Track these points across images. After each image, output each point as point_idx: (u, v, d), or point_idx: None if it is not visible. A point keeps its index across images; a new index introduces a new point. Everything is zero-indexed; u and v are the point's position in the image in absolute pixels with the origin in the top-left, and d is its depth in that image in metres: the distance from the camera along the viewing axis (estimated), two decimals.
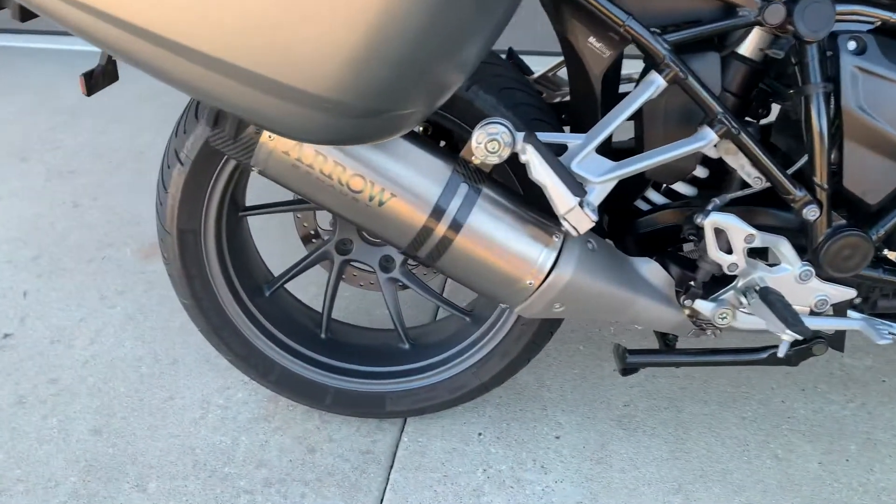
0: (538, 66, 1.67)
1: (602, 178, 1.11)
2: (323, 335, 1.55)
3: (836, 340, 1.34)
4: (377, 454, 1.52)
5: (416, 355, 1.53)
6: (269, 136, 1.07)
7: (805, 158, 1.20)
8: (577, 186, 1.07)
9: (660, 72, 1.11)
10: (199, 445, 1.54)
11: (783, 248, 1.22)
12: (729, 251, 1.20)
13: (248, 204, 1.51)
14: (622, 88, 1.35)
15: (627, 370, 1.36)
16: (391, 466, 1.49)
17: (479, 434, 1.56)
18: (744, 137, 1.14)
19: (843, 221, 1.21)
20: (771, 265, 1.24)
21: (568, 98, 1.63)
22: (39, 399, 1.65)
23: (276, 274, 1.58)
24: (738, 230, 1.18)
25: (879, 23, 1.14)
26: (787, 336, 1.16)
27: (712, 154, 1.23)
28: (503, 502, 1.41)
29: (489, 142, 1.09)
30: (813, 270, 1.23)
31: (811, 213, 1.18)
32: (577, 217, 1.08)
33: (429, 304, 1.89)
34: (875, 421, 1.57)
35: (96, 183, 2.45)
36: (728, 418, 1.58)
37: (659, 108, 1.20)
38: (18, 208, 2.32)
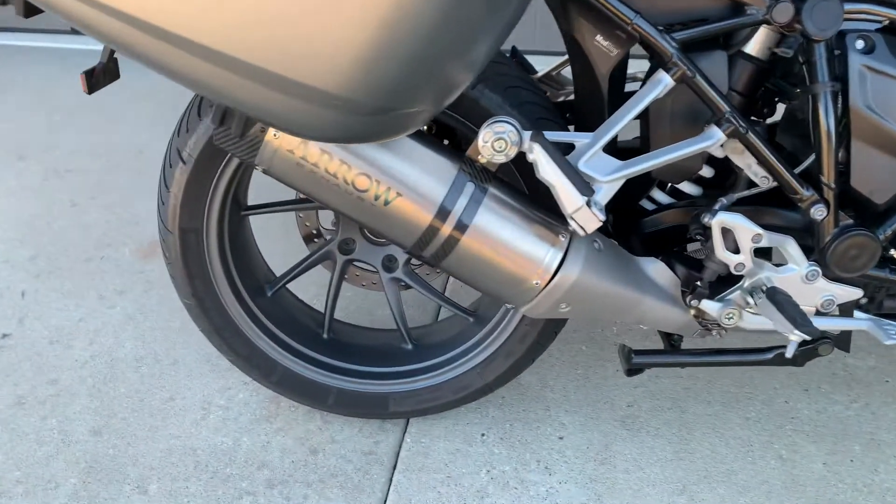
0: (537, 65, 1.67)
1: (609, 177, 1.10)
2: (325, 335, 1.54)
3: (842, 341, 1.33)
4: (380, 455, 1.51)
5: (419, 356, 1.52)
6: (274, 135, 1.06)
7: (812, 158, 1.20)
8: (584, 186, 1.07)
9: (667, 70, 1.11)
10: (201, 446, 1.53)
11: (790, 247, 1.21)
12: (736, 251, 1.19)
13: (250, 203, 1.50)
14: (626, 87, 1.35)
15: (633, 371, 1.35)
16: (394, 467, 1.48)
17: (483, 435, 1.55)
18: (751, 137, 1.13)
19: (850, 221, 1.21)
20: (777, 265, 1.23)
21: (572, 97, 1.62)
22: (38, 400, 1.64)
23: (277, 274, 1.58)
24: (746, 230, 1.17)
25: (887, 22, 1.14)
26: (795, 336, 1.15)
27: (718, 153, 1.23)
28: (507, 503, 1.41)
29: (496, 140, 1.08)
30: (819, 270, 1.22)
31: (818, 212, 1.17)
32: (585, 216, 1.08)
33: (430, 305, 1.88)
34: (879, 421, 1.57)
35: (94, 182, 2.43)
36: (732, 419, 1.58)
37: (665, 107, 1.19)
38: (16, 208, 2.30)
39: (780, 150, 1.29)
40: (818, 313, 1.27)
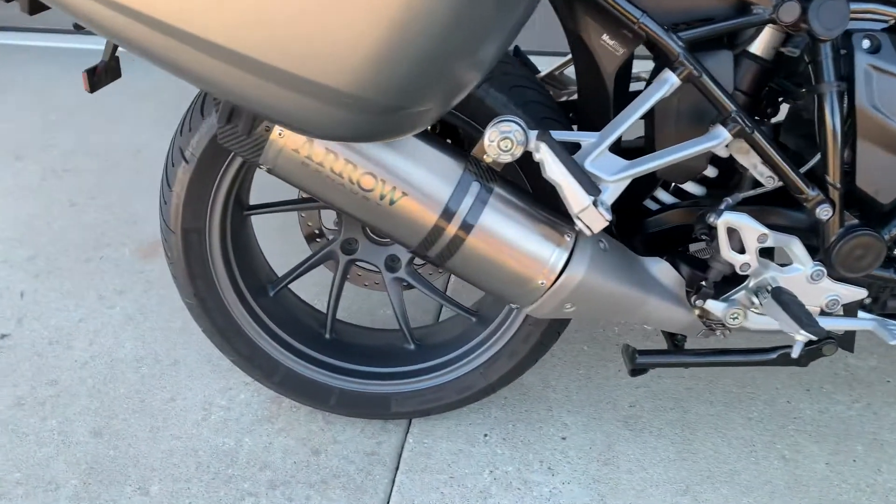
0: (539, 65, 1.66)
1: (616, 176, 1.10)
2: (327, 335, 1.53)
3: (846, 341, 1.33)
4: (382, 456, 1.50)
5: (421, 356, 1.52)
6: (279, 134, 1.05)
7: (817, 158, 1.20)
8: (591, 185, 1.06)
9: (674, 70, 1.10)
10: (202, 447, 1.52)
11: (795, 247, 1.21)
12: (741, 251, 1.19)
13: (252, 203, 1.49)
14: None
15: (637, 371, 1.35)
16: (397, 468, 1.48)
17: (485, 435, 1.54)
18: (757, 136, 1.13)
19: (855, 221, 1.21)
20: (781, 265, 1.23)
21: (574, 97, 1.62)
22: (38, 401, 1.63)
23: (278, 274, 1.57)
24: (751, 230, 1.17)
25: (893, 21, 1.14)
26: (802, 336, 1.15)
27: (722, 153, 1.22)
28: None
29: (502, 140, 1.08)
30: (825, 270, 1.22)
31: (824, 212, 1.17)
32: (591, 216, 1.07)
33: (431, 305, 1.88)
34: (881, 421, 1.57)
35: (93, 182, 2.42)
36: (734, 419, 1.57)
37: (671, 106, 1.19)
38: (14, 207, 2.29)
39: (785, 150, 1.28)
40: (823, 313, 1.27)
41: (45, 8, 0.98)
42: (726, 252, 1.19)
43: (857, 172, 1.17)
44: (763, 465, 1.48)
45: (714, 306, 1.24)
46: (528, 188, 1.28)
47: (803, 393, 1.63)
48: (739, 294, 1.24)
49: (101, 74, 1.27)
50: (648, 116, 1.22)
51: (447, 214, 1.11)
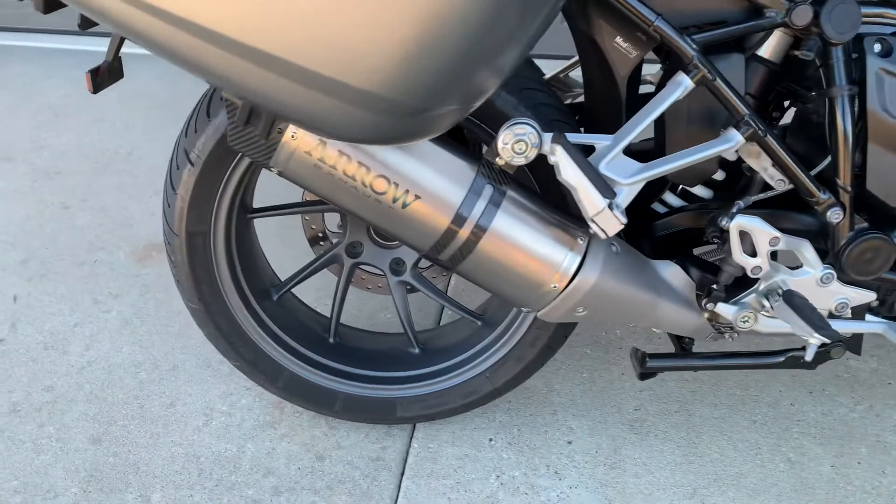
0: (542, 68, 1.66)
1: (631, 179, 1.10)
2: (331, 340, 1.52)
3: (853, 344, 1.34)
4: (387, 461, 1.49)
5: (426, 360, 1.51)
6: (292, 136, 1.04)
7: (827, 161, 1.20)
8: (606, 188, 1.06)
9: (687, 73, 1.10)
10: (204, 454, 1.50)
11: (805, 250, 1.21)
12: (752, 254, 1.19)
13: (255, 206, 1.48)
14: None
15: (646, 374, 1.34)
16: (402, 473, 1.47)
17: (490, 440, 1.53)
18: (770, 140, 1.13)
19: (866, 224, 1.21)
20: (791, 268, 1.23)
21: (579, 100, 1.61)
22: (34, 407, 1.60)
23: (280, 277, 1.55)
24: (763, 233, 1.17)
25: None
26: (815, 340, 1.15)
27: (730, 156, 1.22)
28: None
29: (516, 143, 1.07)
30: (834, 273, 1.22)
31: (835, 215, 1.17)
32: (606, 219, 1.07)
33: (432, 309, 1.86)
34: (884, 423, 1.57)
35: (85, 184, 2.39)
36: (739, 422, 1.57)
37: (681, 109, 1.18)
38: (5, 210, 2.25)
39: (793, 153, 1.29)
40: (831, 316, 1.27)
41: (60, 6, 0.96)
42: (738, 255, 1.19)
43: (867, 176, 1.17)
44: (769, 467, 1.48)
45: (725, 310, 1.24)
46: (538, 191, 1.27)
47: (806, 395, 1.64)
48: (750, 297, 1.24)
49: (104, 75, 1.25)
50: (658, 119, 1.22)
51: (460, 218, 1.10)
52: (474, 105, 0.92)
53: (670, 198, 1.34)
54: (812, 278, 1.22)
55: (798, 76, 1.25)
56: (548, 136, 1.08)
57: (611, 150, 1.10)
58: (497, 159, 1.10)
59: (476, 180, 1.10)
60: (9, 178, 2.42)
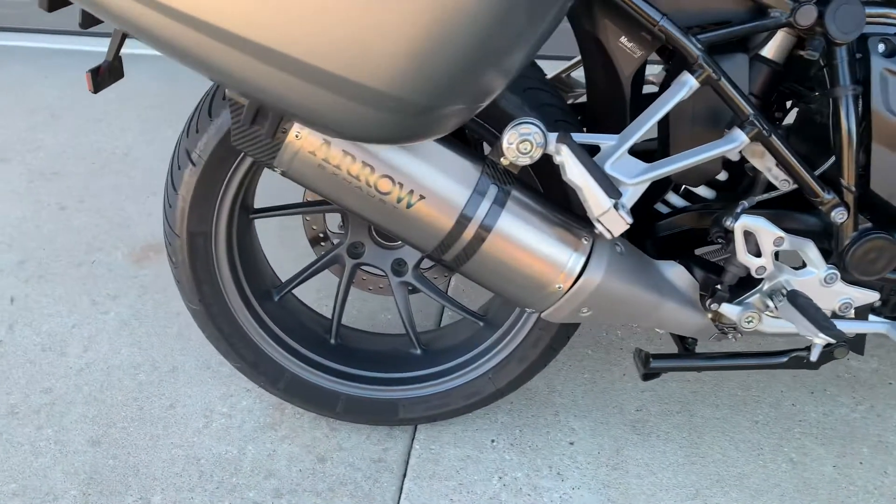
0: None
1: (636, 179, 1.09)
2: (333, 341, 1.51)
3: (857, 343, 1.34)
4: (389, 463, 1.48)
5: (428, 361, 1.50)
6: (297, 136, 1.03)
7: (831, 161, 1.20)
8: (612, 188, 1.05)
9: (692, 73, 1.10)
10: (204, 456, 1.49)
11: (809, 251, 1.21)
12: (757, 254, 1.19)
13: (256, 206, 1.47)
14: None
15: (650, 375, 1.34)
16: (404, 475, 1.46)
17: (493, 441, 1.53)
18: (774, 140, 1.13)
19: (869, 224, 1.21)
20: (794, 268, 1.23)
21: (580, 100, 1.61)
22: (32, 409, 1.59)
23: (281, 278, 1.54)
24: (768, 233, 1.17)
25: None
26: (821, 340, 1.15)
27: (734, 157, 1.22)
28: None
29: (521, 142, 1.07)
30: (838, 273, 1.22)
31: (839, 215, 1.17)
32: (612, 219, 1.06)
33: (433, 310, 1.86)
34: (885, 423, 1.57)
35: (81, 185, 2.37)
36: (741, 422, 1.57)
37: (686, 109, 1.18)
38: (1, 211, 2.23)
39: (797, 154, 1.29)
40: (835, 316, 1.27)
41: (64, 4, 0.95)
42: (742, 255, 1.19)
43: (871, 176, 1.17)
44: (771, 468, 1.48)
45: (729, 310, 1.23)
46: (541, 191, 1.27)
47: (807, 396, 1.64)
48: (754, 297, 1.24)
49: (105, 74, 1.24)
50: (661, 119, 1.21)
51: (464, 218, 1.09)
52: (482, 105, 0.92)
53: (673, 198, 1.34)
54: (816, 278, 1.22)
55: (801, 76, 1.25)
56: (553, 136, 1.07)
57: (616, 150, 1.09)
58: (502, 159, 1.09)
59: (481, 180, 1.10)
60: (5, 178, 2.41)
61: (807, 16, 1.10)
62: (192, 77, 3.04)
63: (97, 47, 3.34)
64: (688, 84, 1.10)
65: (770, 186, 1.24)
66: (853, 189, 1.17)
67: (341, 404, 1.47)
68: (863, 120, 1.15)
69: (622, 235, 1.28)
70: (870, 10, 1.12)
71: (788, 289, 1.21)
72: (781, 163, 1.15)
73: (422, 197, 1.08)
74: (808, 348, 1.33)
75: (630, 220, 1.07)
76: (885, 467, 1.48)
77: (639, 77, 1.26)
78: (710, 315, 1.26)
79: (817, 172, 1.21)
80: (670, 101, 1.10)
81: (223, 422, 1.56)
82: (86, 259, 2.03)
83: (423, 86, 0.79)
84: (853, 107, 1.13)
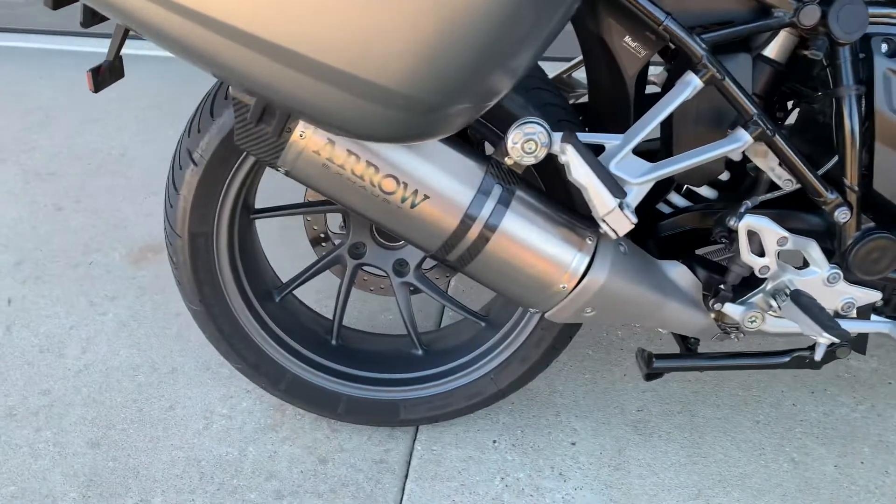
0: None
1: (641, 179, 1.09)
2: (334, 342, 1.50)
3: (858, 343, 1.34)
4: (391, 464, 1.48)
5: (430, 361, 1.50)
6: (301, 135, 1.02)
7: (833, 160, 1.20)
8: (617, 188, 1.05)
9: (696, 72, 1.10)
10: (205, 457, 1.48)
11: (812, 250, 1.21)
12: (760, 254, 1.19)
13: (257, 206, 1.46)
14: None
15: (652, 375, 1.34)
16: (406, 476, 1.45)
17: (494, 441, 1.52)
18: (778, 140, 1.13)
19: (872, 224, 1.21)
20: (796, 268, 1.23)
21: (581, 100, 1.61)
22: (31, 411, 1.58)
23: (281, 279, 1.54)
24: (772, 233, 1.17)
25: None
26: (825, 339, 1.15)
27: (736, 157, 1.22)
28: None
29: (526, 142, 1.06)
30: (841, 273, 1.22)
31: (842, 215, 1.17)
32: (617, 219, 1.06)
33: (433, 311, 1.85)
34: (886, 423, 1.58)
35: (78, 185, 2.36)
36: (742, 422, 1.57)
37: (689, 109, 1.18)
38: None
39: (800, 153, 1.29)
40: (837, 316, 1.27)
41: (69, 2, 0.95)
42: (746, 255, 1.19)
43: (874, 175, 1.17)
44: (773, 468, 1.48)
45: (732, 310, 1.23)
46: (544, 190, 1.27)
47: (808, 396, 1.64)
48: (757, 297, 1.24)
49: (105, 74, 1.23)
50: (665, 119, 1.21)
51: (469, 218, 1.09)
52: (489, 104, 0.92)
53: (675, 198, 1.34)
54: (819, 278, 1.22)
55: (803, 76, 1.26)
56: (557, 136, 1.07)
57: (621, 150, 1.09)
58: (506, 159, 1.09)
59: (485, 180, 1.10)
60: (0, 179, 2.39)
61: (810, 16, 1.10)
62: (188, 78, 3.04)
63: (92, 48, 3.32)
64: (692, 84, 1.10)
65: (772, 186, 1.24)
66: (856, 189, 1.17)
67: (343, 405, 1.47)
68: (865, 120, 1.15)
69: (625, 235, 1.28)
70: (873, 10, 1.12)
71: (791, 288, 1.21)
72: (785, 162, 1.15)
73: (426, 197, 1.08)
74: (810, 348, 1.33)
75: (635, 220, 1.07)
76: (887, 467, 1.48)
77: (642, 77, 1.26)
78: (712, 315, 1.26)
79: (820, 172, 1.21)
80: (675, 101, 1.10)
81: (223, 423, 1.55)
82: (83, 260, 2.02)
83: (433, 84, 0.79)
84: (856, 107, 1.13)
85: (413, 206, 1.08)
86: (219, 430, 1.54)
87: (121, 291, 1.91)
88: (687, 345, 1.38)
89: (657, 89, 1.45)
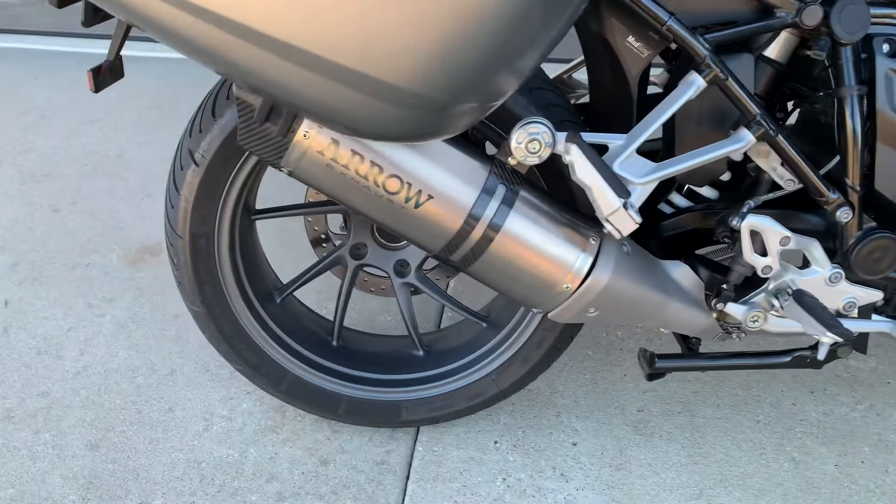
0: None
1: (644, 179, 1.09)
2: (335, 343, 1.50)
3: (860, 343, 1.34)
4: (392, 465, 1.47)
5: (431, 362, 1.49)
6: (304, 135, 1.02)
7: (835, 160, 1.20)
8: (621, 188, 1.05)
9: (700, 72, 1.10)
10: (205, 459, 1.47)
11: (814, 250, 1.21)
12: (763, 254, 1.19)
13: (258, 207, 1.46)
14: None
15: (654, 375, 1.34)
16: (407, 477, 1.45)
17: (496, 442, 1.52)
18: (781, 139, 1.13)
19: (874, 224, 1.21)
20: (798, 268, 1.24)
21: (582, 101, 1.61)
22: (29, 413, 1.57)
23: (281, 279, 1.53)
24: (775, 232, 1.17)
25: None
26: (828, 339, 1.16)
27: (737, 157, 1.23)
28: None
29: (530, 142, 1.06)
30: (842, 273, 1.23)
31: (844, 215, 1.18)
32: (621, 219, 1.06)
33: (432, 312, 1.85)
34: (885, 422, 1.58)
35: (74, 187, 2.35)
36: (742, 422, 1.58)
37: (692, 109, 1.18)
38: None
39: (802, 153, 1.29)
40: (838, 315, 1.27)
41: (74, 0, 0.94)
42: (749, 255, 1.19)
43: (875, 175, 1.18)
44: (773, 467, 1.48)
45: (734, 309, 1.24)
46: (546, 191, 1.27)
47: (807, 395, 1.65)
48: (759, 297, 1.24)
49: (106, 74, 1.23)
50: (667, 119, 1.21)
51: (473, 217, 1.09)
52: (497, 103, 0.92)
53: (676, 198, 1.34)
54: (820, 278, 1.23)
55: (804, 76, 1.26)
56: (562, 136, 1.07)
57: (625, 150, 1.09)
58: (510, 159, 1.09)
59: (489, 180, 1.10)
60: None
61: (812, 16, 1.11)
62: (185, 79, 3.03)
63: (88, 48, 3.31)
64: (695, 84, 1.10)
65: (773, 186, 1.24)
66: (858, 188, 1.17)
67: (344, 406, 1.46)
68: (867, 120, 1.15)
69: (627, 235, 1.28)
70: (875, 11, 1.13)
71: (794, 288, 1.21)
72: (787, 162, 1.15)
73: (430, 197, 1.08)
74: (811, 347, 1.33)
75: (639, 220, 1.07)
76: (886, 466, 1.49)
77: (644, 77, 1.26)
78: (715, 315, 1.26)
79: (822, 172, 1.22)
80: (678, 101, 1.10)
81: (224, 425, 1.55)
82: (80, 261, 2.01)
83: (444, 83, 0.79)
84: (858, 107, 1.14)
85: (417, 206, 1.08)
86: (219, 432, 1.53)
87: (118, 293, 1.90)
88: (688, 345, 1.38)
89: (657, 89, 1.45)
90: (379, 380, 1.48)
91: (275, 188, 1.82)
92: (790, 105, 1.41)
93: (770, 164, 1.20)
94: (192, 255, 1.30)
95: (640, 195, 1.10)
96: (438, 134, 0.92)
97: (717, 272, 1.26)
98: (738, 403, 1.62)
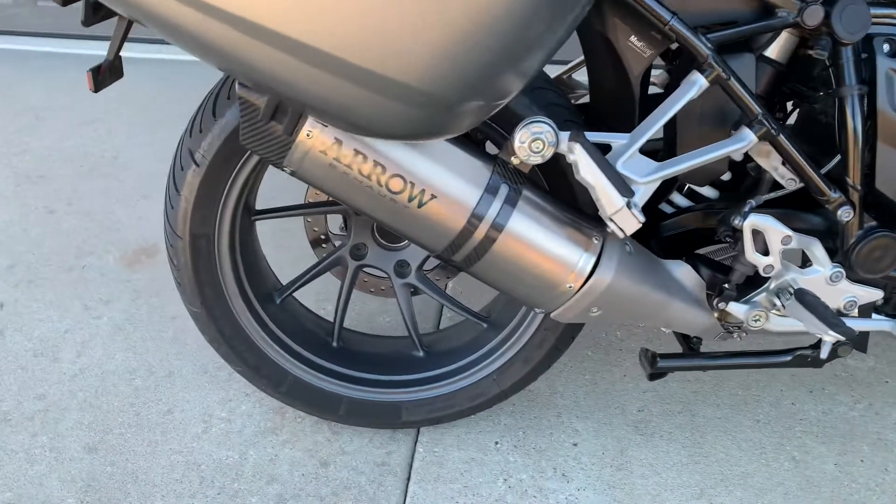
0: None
1: (648, 178, 1.09)
2: (335, 344, 1.49)
3: (860, 342, 1.35)
4: (393, 466, 1.47)
5: (432, 363, 1.49)
6: (307, 135, 1.02)
7: (836, 160, 1.21)
8: (624, 187, 1.05)
9: (702, 72, 1.10)
10: (205, 461, 1.46)
11: (815, 249, 1.22)
12: (765, 253, 1.19)
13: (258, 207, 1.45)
14: None
15: (656, 375, 1.34)
16: (408, 478, 1.45)
17: (496, 443, 1.52)
18: (782, 139, 1.13)
19: (874, 223, 1.22)
20: (800, 267, 1.24)
21: (581, 101, 1.61)
22: (26, 416, 1.56)
23: (280, 280, 1.53)
24: (776, 232, 1.17)
25: None
26: (830, 338, 1.16)
27: (738, 156, 1.23)
28: None
29: (533, 141, 1.06)
30: (843, 272, 1.23)
31: (845, 214, 1.18)
32: (625, 218, 1.06)
33: (431, 312, 1.85)
34: (884, 421, 1.59)
35: (70, 188, 2.33)
36: (742, 421, 1.58)
37: (693, 109, 1.18)
38: None
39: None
40: (839, 314, 1.28)
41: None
42: (751, 254, 1.19)
43: (876, 175, 1.18)
44: (774, 466, 1.48)
45: (736, 309, 1.24)
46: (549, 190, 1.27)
47: (806, 395, 1.65)
48: (761, 296, 1.24)
49: (105, 74, 1.22)
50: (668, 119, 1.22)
51: (476, 217, 1.09)
52: (503, 102, 0.92)
53: (677, 198, 1.34)
54: (821, 277, 1.23)
55: (804, 76, 1.26)
56: (565, 135, 1.07)
57: (628, 149, 1.09)
58: (513, 158, 1.09)
59: (492, 180, 1.09)
60: None
61: (813, 16, 1.11)
62: (183, 80, 3.01)
63: (79, 49, 3.29)
64: (697, 83, 1.10)
65: (774, 185, 1.25)
66: (858, 188, 1.18)
67: (344, 407, 1.46)
68: (868, 119, 1.16)
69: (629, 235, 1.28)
70: (875, 11, 1.13)
71: (795, 287, 1.21)
72: (789, 161, 1.16)
73: (433, 196, 1.07)
74: (811, 347, 1.33)
75: (643, 219, 1.07)
76: (886, 464, 1.49)
77: (645, 77, 1.26)
78: (716, 314, 1.26)
79: (822, 171, 1.22)
80: (680, 100, 1.10)
81: (223, 427, 1.54)
82: (76, 263, 2.00)
83: (453, 81, 0.79)
84: (859, 106, 1.14)
85: (420, 205, 1.08)
86: (218, 434, 1.52)
87: (115, 295, 1.89)
88: (689, 344, 1.38)
89: (657, 89, 1.45)
90: (379, 381, 1.48)
91: (280, 188, 1.82)
92: (790, 105, 1.42)
93: (771, 164, 1.21)
94: (192, 255, 1.29)
95: (643, 194, 1.10)
96: (444, 132, 0.92)
97: (719, 272, 1.26)
98: (738, 403, 1.62)
